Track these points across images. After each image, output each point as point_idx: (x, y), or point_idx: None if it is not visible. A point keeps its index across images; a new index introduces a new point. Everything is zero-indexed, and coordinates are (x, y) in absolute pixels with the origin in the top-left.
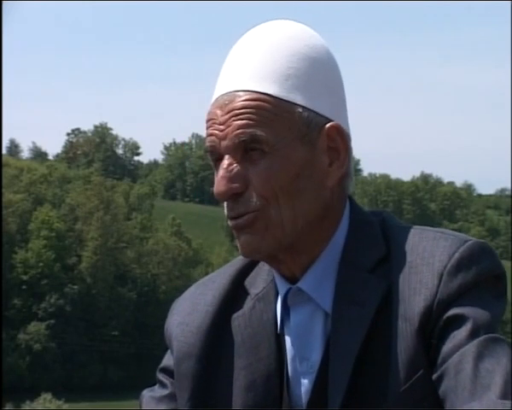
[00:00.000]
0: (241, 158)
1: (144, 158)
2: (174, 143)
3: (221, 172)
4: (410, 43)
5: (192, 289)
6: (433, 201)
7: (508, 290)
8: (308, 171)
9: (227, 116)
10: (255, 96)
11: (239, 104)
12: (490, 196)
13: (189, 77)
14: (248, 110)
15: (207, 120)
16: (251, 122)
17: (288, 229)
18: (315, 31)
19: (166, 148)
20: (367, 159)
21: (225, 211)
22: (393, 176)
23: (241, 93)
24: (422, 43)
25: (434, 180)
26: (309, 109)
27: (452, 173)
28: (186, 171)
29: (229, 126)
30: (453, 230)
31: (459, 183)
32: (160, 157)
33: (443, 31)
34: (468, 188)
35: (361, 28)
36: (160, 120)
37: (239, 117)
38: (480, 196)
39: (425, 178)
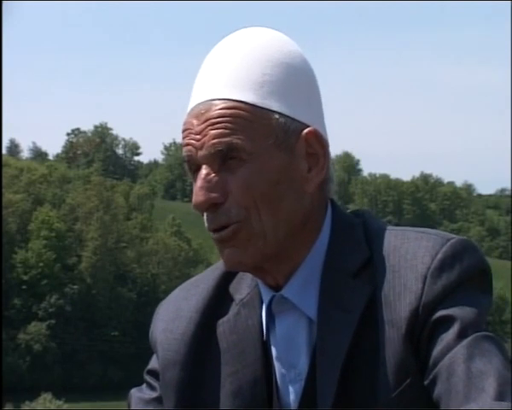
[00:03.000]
0: (219, 167)
1: (144, 158)
2: (174, 143)
3: (199, 182)
4: (409, 42)
5: (176, 292)
6: (433, 201)
7: (507, 290)
8: (287, 177)
9: (203, 125)
10: (231, 104)
11: (215, 113)
12: (490, 196)
13: (189, 77)
14: (224, 119)
15: (183, 130)
16: (227, 131)
17: (271, 238)
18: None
19: (166, 148)
20: (367, 159)
21: (205, 224)
22: (393, 176)
23: (217, 102)
24: (422, 42)
25: (434, 180)
26: (286, 115)
27: (452, 173)
28: (186, 171)
29: (205, 136)
30: (453, 230)
31: (459, 183)
32: (160, 157)
33: (443, 30)
34: (468, 188)
35: (360, 28)
36: (160, 119)
37: (215, 126)
38: (480, 196)
39: (425, 178)
